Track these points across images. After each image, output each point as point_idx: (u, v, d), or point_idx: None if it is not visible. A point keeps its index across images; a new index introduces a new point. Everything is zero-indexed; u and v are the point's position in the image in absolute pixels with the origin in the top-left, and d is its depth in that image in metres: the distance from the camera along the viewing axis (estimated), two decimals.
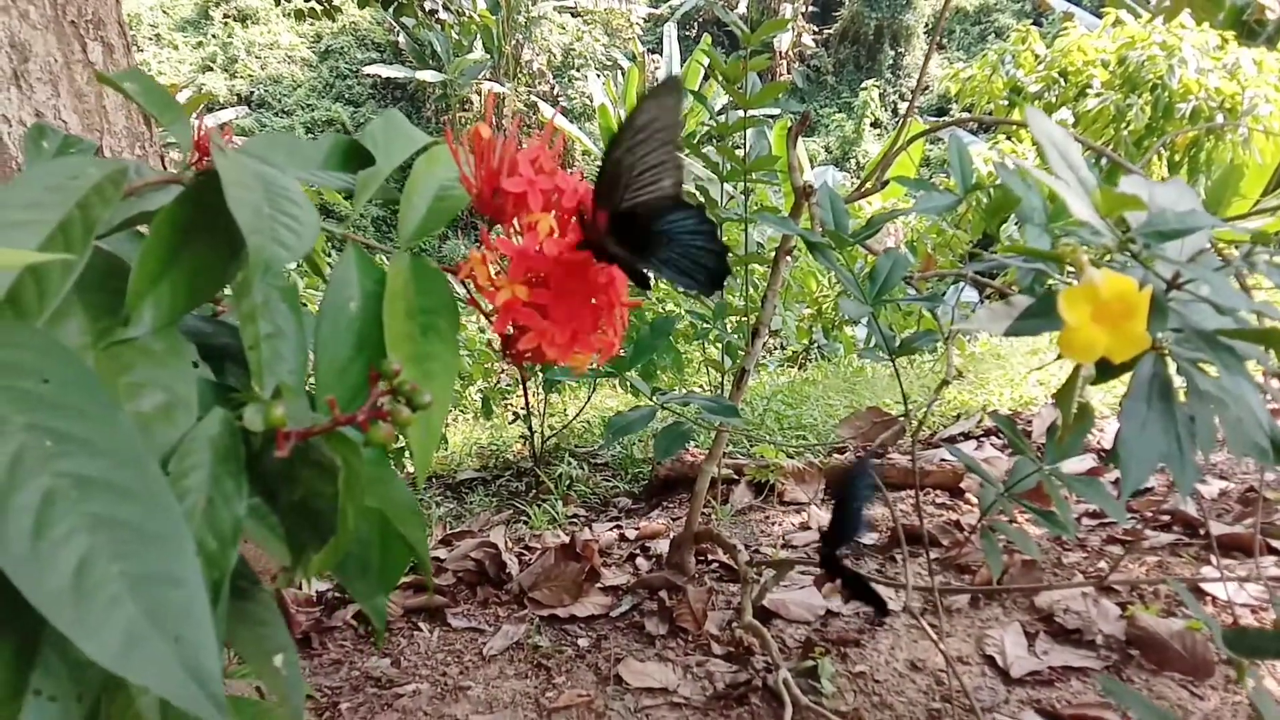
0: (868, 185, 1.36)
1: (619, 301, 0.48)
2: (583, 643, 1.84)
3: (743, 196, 1.75)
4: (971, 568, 1.98)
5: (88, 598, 0.22)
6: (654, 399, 1.15)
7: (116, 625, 0.22)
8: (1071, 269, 0.60)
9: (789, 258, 1.65)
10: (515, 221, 0.43)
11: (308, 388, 0.37)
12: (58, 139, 0.63)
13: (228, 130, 0.68)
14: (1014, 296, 0.52)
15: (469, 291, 0.42)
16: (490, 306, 0.40)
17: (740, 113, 1.74)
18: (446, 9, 5.69)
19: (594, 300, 0.46)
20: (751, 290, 2.32)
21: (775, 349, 5.30)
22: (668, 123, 0.45)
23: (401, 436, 0.33)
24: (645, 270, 0.48)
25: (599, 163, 0.46)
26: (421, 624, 1.94)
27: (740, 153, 1.79)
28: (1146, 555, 1.98)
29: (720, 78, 1.63)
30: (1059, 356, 0.58)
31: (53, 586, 0.22)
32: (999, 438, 2.80)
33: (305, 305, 0.44)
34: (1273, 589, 1.25)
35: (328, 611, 1.97)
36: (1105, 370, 0.65)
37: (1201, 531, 2.03)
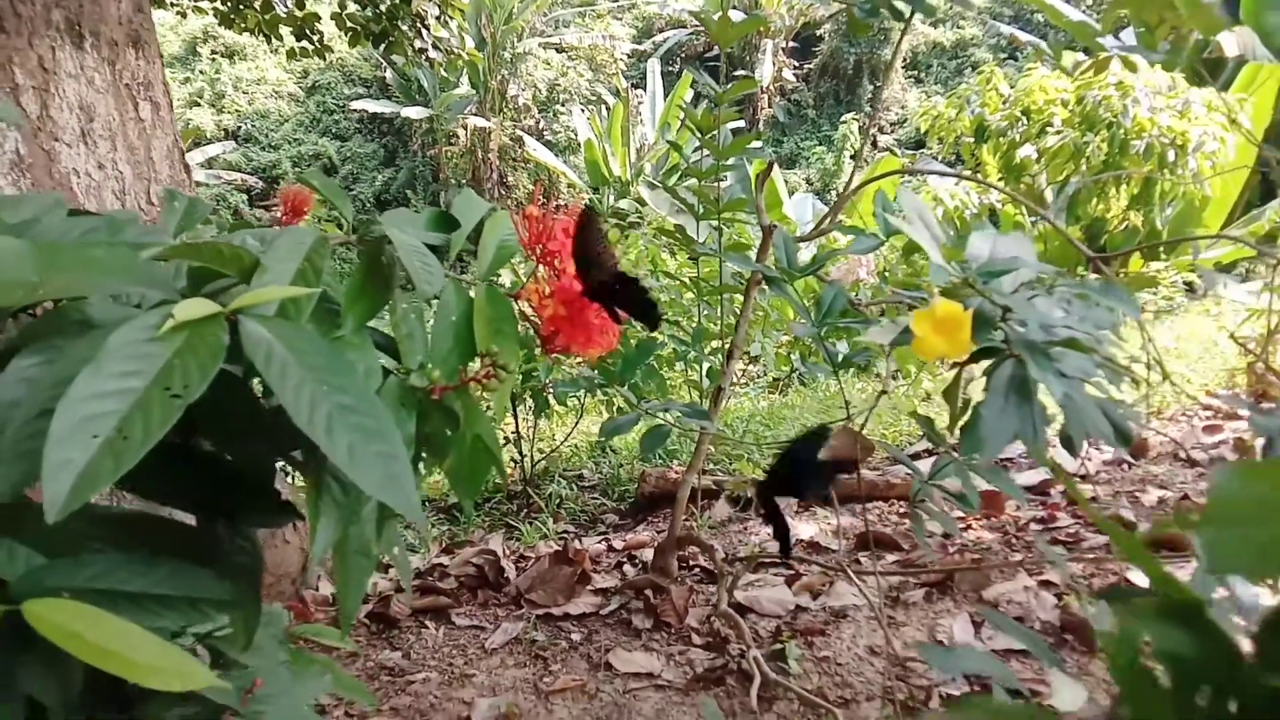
0: (824, 225, 1.58)
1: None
2: (576, 637, 2.03)
3: (718, 233, 1.96)
4: (928, 567, 2.18)
5: (358, 462, 0.43)
6: (639, 406, 1.36)
7: (373, 475, 0.42)
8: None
9: (760, 287, 1.87)
10: (554, 264, 0.66)
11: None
12: (185, 201, 0.84)
13: (307, 200, 0.88)
14: (899, 318, 0.73)
15: (521, 308, 0.64)
16: (537, 317, 0.63)
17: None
18: (436, 47, 5.86)
19: (597, 318, 0.70)
20: (732, 317, 2.54)
21: (757, 376, 5.51)
22: (599, 237, 0.72)
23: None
24: (614, 308, 0.74)
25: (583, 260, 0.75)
26: (428, 622, 2.12)
27: (720, 188, 2.01)
28: (1086, 554, 2.19)
29: (695, 129, 1.85)
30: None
31: (341, 456, 0.42)
32: (958, 453, 3.01)
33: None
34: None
35: None
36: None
37: (1136, 534, 2.24)
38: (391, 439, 0.43)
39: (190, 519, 0.58)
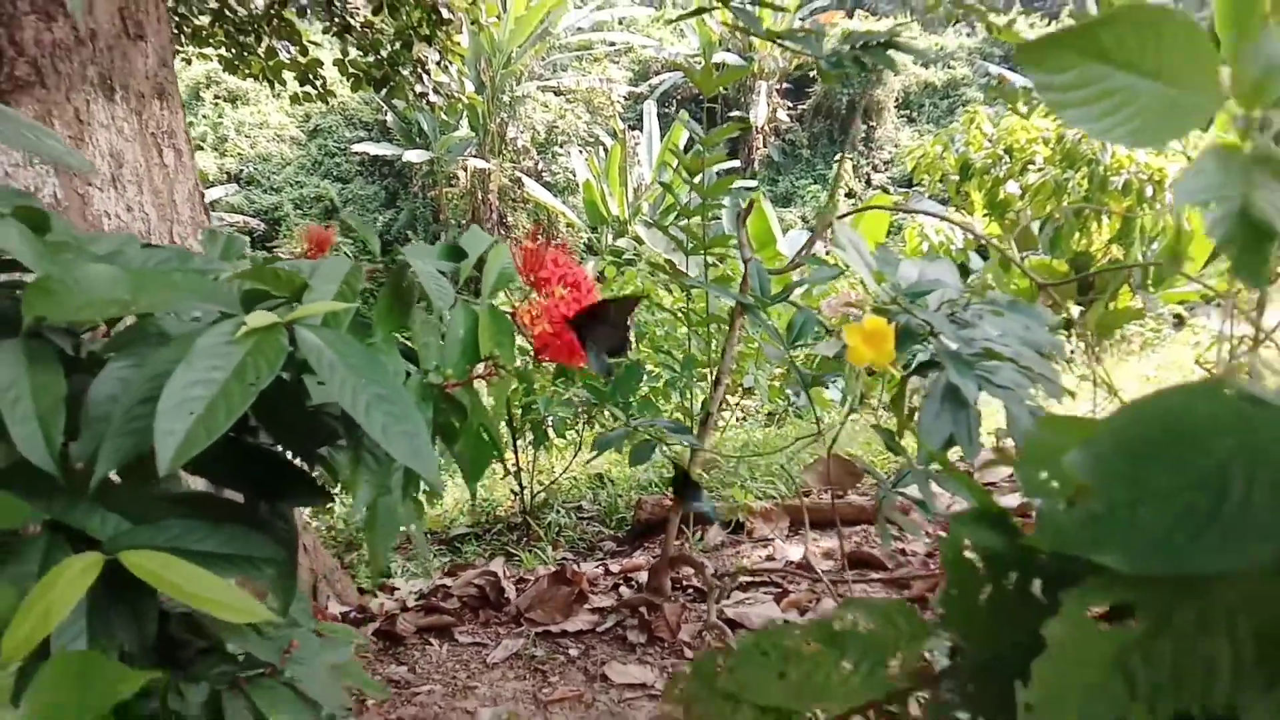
0: (799, 258, 1.70)
1: None
2: (573, 651, 2.12)
3: (704, 267, 2.09)
4: (910, 584, 2.28)
5: (390, 437, 0.54)
6: (628, 423, 1.48)
7: (402, 447, 0.54)
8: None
9: (745, 318, 1.99)
10: (544, 289, 0.78)
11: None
12: (223, 238, 0.96)
13: (329, 235, 1.00)
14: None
15: (518, 325, 0.76)
16: (530, 333, 0.76)
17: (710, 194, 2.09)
18: (436, 92, 6.01)
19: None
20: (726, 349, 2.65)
21: (754, 410, 5.62)
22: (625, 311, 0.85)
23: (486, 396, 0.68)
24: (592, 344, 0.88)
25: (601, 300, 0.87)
26: (432, 640, 2.22)
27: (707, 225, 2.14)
28: None
29: (683, 171, 1.98)
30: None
31: (377, 433, 0.54)
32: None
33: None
34: None
35: (354, 627, 2.25)
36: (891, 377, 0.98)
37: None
38: (415, 421, 0.55)
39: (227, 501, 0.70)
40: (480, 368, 0.69)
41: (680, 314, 2.56)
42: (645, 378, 3.52)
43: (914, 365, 1.02)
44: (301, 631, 0.80)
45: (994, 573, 0.42)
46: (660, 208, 13.41)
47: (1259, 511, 0.34)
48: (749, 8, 1.56)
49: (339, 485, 0.75)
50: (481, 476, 0.76)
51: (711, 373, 2.48)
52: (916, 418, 1.07)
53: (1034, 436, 0.44)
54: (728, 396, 4.45)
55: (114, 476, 0.66)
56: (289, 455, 0.71)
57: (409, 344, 0.71)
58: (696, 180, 1.97)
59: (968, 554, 0.43)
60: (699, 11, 1.54)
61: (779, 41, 1.49)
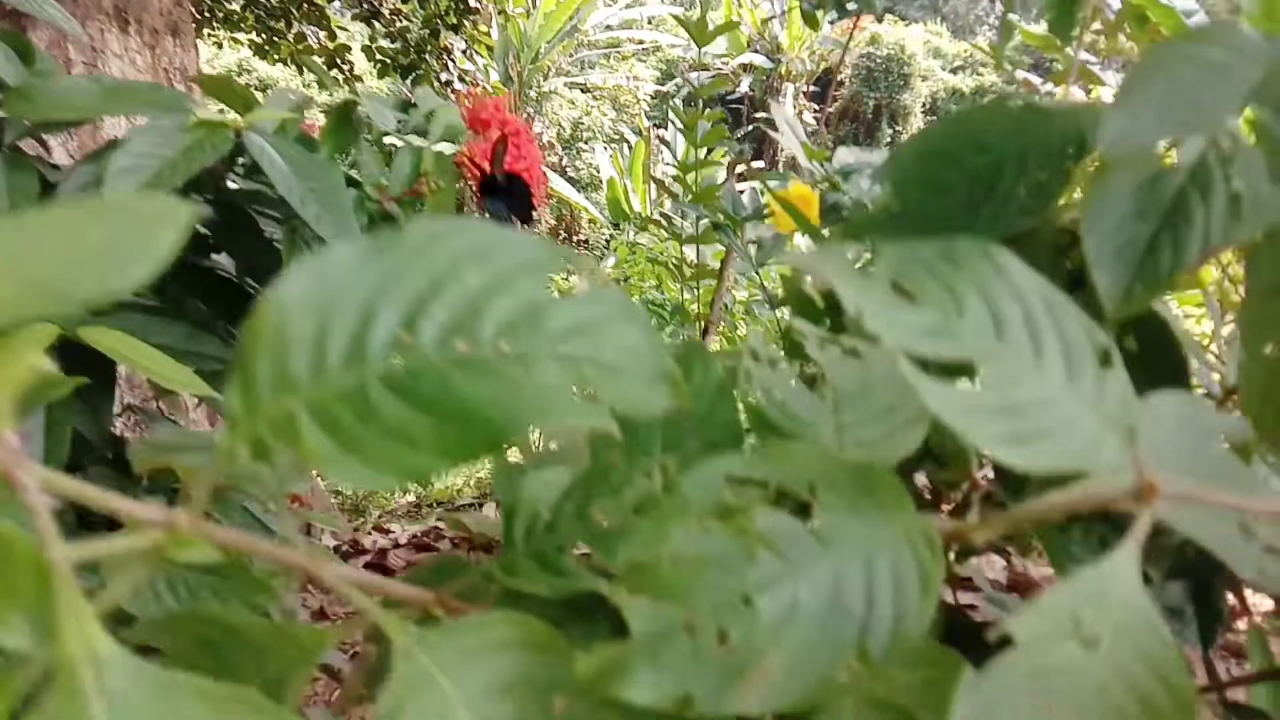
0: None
1: None
2: None
3: (698, 219, 2.14)
4: None
5: (322, 223, 0.61)
6: None
7: (331, 230, 0.61)
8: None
9: (733, 268, 2.04)
10: (484, 133, 0.85)
11: None
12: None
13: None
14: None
15: (465, 163, 0.83)
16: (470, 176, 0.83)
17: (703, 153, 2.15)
18: (461, 79, 6.09)
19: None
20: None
21: None
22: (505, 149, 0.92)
23: None
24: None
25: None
26: None
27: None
28: None
29: (682, 127, 2.03)
30: None
31: (310, 218, 0.60)
32: None
33: None
34: None
35: (344, 560, 2.31)
36: None
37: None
38: (346, 213, 0.61)
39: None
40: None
41: (674, 267, 2.61)
42: None
43: None
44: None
45: (830, 306, 0.47)
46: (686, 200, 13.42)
47: (1021, 195, 0.39)
48: None
49: None
50: None
51: (700, 323, 2.53)
52: None
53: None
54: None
55: None
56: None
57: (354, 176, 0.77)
58: (691, 133, 2.02)
59: (806, 291, 0.48)
60: None
61: None
